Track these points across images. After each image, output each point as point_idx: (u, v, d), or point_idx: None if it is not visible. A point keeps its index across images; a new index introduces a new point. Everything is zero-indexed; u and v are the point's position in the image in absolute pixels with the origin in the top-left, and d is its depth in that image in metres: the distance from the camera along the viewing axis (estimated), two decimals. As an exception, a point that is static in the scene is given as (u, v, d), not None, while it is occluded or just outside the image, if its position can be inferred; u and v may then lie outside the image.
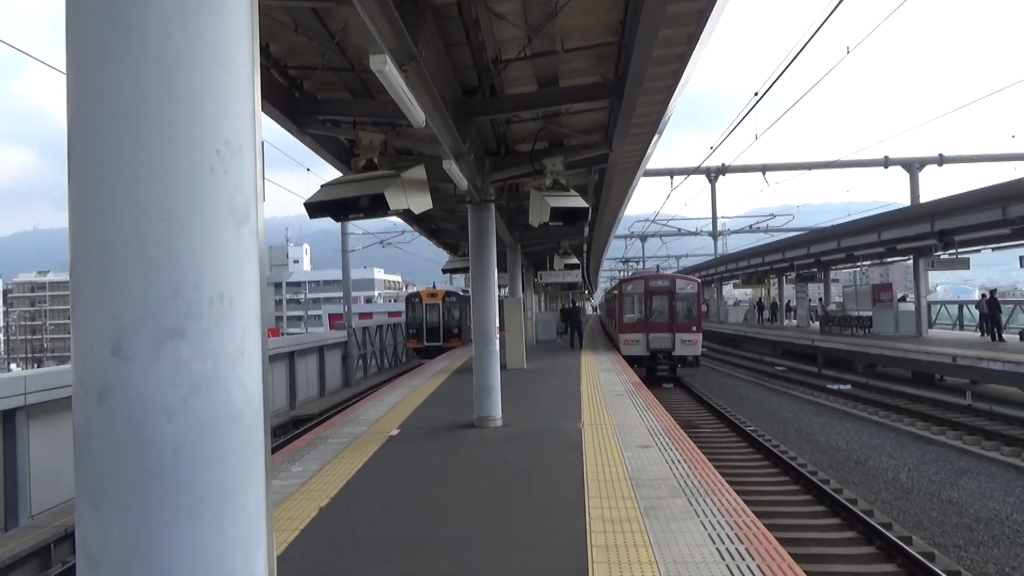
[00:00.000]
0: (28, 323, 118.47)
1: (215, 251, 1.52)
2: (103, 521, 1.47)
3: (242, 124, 1.60)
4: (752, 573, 4.57)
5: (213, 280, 1.51)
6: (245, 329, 1.57)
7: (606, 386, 14.19)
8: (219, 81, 1.55)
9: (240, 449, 1.54)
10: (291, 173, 22.46)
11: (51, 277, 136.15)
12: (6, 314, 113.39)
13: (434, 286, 38.85)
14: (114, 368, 1.46)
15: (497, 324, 10.99)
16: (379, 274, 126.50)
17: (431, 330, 33.30)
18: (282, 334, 34.85)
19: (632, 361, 21.15)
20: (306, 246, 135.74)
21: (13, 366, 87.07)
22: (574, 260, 25.42)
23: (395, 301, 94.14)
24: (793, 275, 38.75)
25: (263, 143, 1.84)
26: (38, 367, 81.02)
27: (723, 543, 5.11)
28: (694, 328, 23.30)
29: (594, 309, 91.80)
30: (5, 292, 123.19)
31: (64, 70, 1.57)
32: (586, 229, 20.15)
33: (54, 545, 9.48)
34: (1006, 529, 9.08)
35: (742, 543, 5.11)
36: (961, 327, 30.93)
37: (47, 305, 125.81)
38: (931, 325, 29.30)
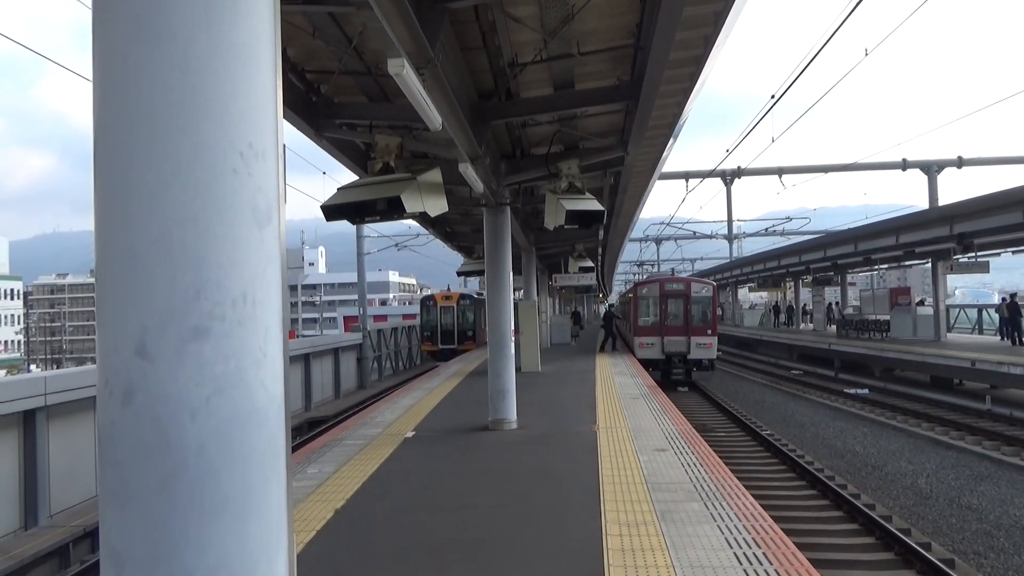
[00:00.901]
0: (48, 325, 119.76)
1: (238, 253, 1.53)
2: (127, 521, 1.48)
3: (265, 127, 1.61)
4: (770, 578, 4.54)
5: (236, 281, 1.52)
6: (267, 330, 1.58)
7: (621, 389, 14.14)
8: (242, 85, 1.57)
9: (262, 450, 1.55)
10: (307, 176, 22.59)
11: (70, 279, 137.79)
12: (26, 316, 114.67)
13: (448, 289, 38.93)
14: (138, 368, 1.48)
15: (512, 327, 10.98)
16: (394, 277, 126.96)
17: (445, 333, 33.34)
18: (298, 336, 34.98)
19: (647, 364, 21.06)
20: (321, 249, 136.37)
21: (33, 367, 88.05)
22: (589, 263, 25.38)
23: (410, 304, 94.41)
24: (809, 278, 38.46)
25: (284, 146, 1.85)
26: (57, 368, 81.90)
27: (740, 547, 5.08)
28: (709, 331, 23.17)
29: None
30: (26, 294, 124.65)
31: (90, 76, 1.59)
32: (601, 232, 20.12)
33: (73, 544, 9.57)
34: (1027, 536, 8.96)
35: (759, 548, 5.07)
36: (980, 331, 30.58)
37: (66, 307, 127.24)
38: (950, 329, 28.99)
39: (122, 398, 1.48)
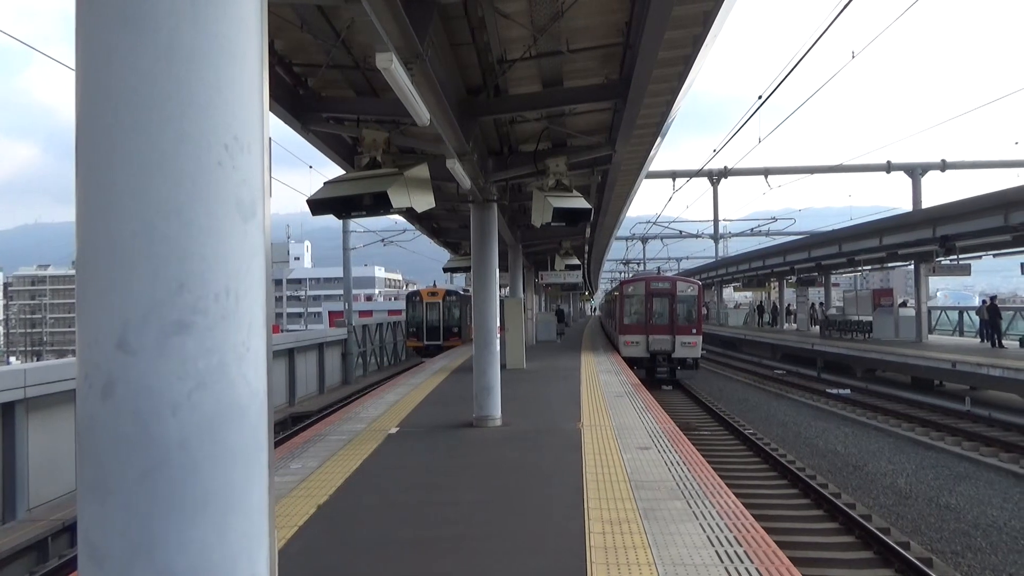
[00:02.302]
0: (28, 316, 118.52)
1: (222, 246, 1.52)
2: (106, 516, 1.46)
3: (250, 120, 1.60)
4: (751, 576, 4.57)
5: (220, 275, 1.51)
6: (251, 325, 1.57)
7: (605, 387, 14.18)
8: (228, 76, 1.55)
9: (244, 445, 1.54)
10: (294, 170, 22.45)
11: (51, 271, 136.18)
12: (6, 307, 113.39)
13: (435, 285, 38.85)
14: (119, 362, 1.46)
15: (498, 324, 10.98)
16: (380, 272, 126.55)
17: (431, 329, 33.29)
18: (282, 331, 34.84)
19: (632, 363, 21.13)
20: (307, 243, 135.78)
21: (13, 359, 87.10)
22: (575, 261, 25.42)
23: (395, 299, 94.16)
24: (794, 279, 38.73)
25: (270, 139, 1.84)
26: (37, 360, 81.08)
27: (722, 545, 5.11)
28: (694, 330, 23.29)
29: (593, 310, 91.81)
30: (6, 285, 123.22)
31: (73, 65, 1.57)
32: (588, 230, 20.15)
33: (52, 538, 9.48)
34: (1003, 536, 9.07)
35: (741, 546, 5.10)
36: (961, 333, 30.93)
37: (47, 299, 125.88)
38: (931, 331, 29.29)
39: (102, 392, 1.46)
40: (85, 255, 1.50)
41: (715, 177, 41.71)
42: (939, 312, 34.83)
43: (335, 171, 10.48)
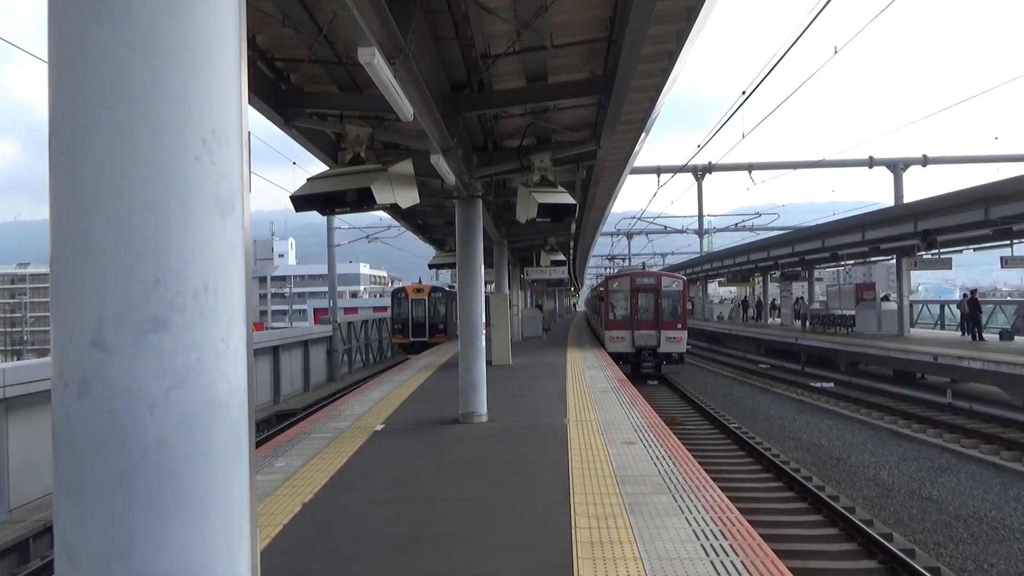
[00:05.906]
0: (8, 315, 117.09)
1: (200, 242, 1.49)
2: (83, 517, 1.44)
3: (228, 114, 1.57)
4: (736, 569, 4.59)
5: (198, 271, 1.49)
6: (230, 321, 1.54)
7: (591, 383, 14.21)
8: (205, 70, 1.53)
9: (224, 444, 1.51)
10: (277, 166, 22.25)
11: (32, 269, 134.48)
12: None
13: (420, 281, 38.76)
14: (95, 360, 1.43)
15: (483, 320, 10.97)
16: (365, 269, 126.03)
17: (417, 326, 33.23)
18: (267, 328, 34.67)
19: (617, 358, 21.18)
20: (291, 240, 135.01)
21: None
22: (560, 257, 25.46)
23: (381, 296, 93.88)
24: (778, 274, 39.00)
25: (249, 134, 1.81)
26: (18, 360, 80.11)
27: (707, 539, 5.13)
28: (679, 326, 23.39)
29: (574, 306, 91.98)
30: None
31: (46, 59, 1.54)
32: (573, 226, 20.16)
33: (32, 540, 9.37)
34: (984, 526, 9.18)
35: (726, 539, 5.13)
36: (942, 326, 31.27)
37: (27, 297, 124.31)
38: (913, 324, 29.59)
39: (78, 391, 1.43)
40: (59, 252, 1.48)
41: (699, 173, 41.87)
42: (921, 306, 35.19)
43: (318, 167, 10.41)
